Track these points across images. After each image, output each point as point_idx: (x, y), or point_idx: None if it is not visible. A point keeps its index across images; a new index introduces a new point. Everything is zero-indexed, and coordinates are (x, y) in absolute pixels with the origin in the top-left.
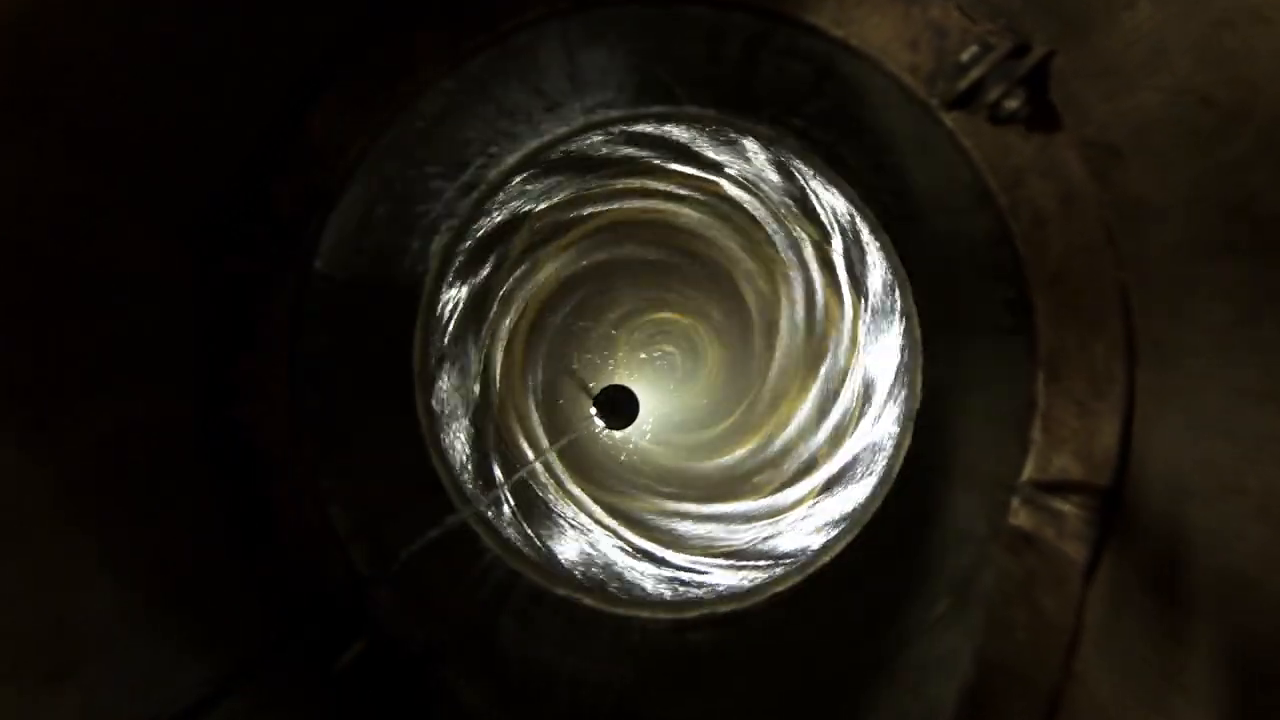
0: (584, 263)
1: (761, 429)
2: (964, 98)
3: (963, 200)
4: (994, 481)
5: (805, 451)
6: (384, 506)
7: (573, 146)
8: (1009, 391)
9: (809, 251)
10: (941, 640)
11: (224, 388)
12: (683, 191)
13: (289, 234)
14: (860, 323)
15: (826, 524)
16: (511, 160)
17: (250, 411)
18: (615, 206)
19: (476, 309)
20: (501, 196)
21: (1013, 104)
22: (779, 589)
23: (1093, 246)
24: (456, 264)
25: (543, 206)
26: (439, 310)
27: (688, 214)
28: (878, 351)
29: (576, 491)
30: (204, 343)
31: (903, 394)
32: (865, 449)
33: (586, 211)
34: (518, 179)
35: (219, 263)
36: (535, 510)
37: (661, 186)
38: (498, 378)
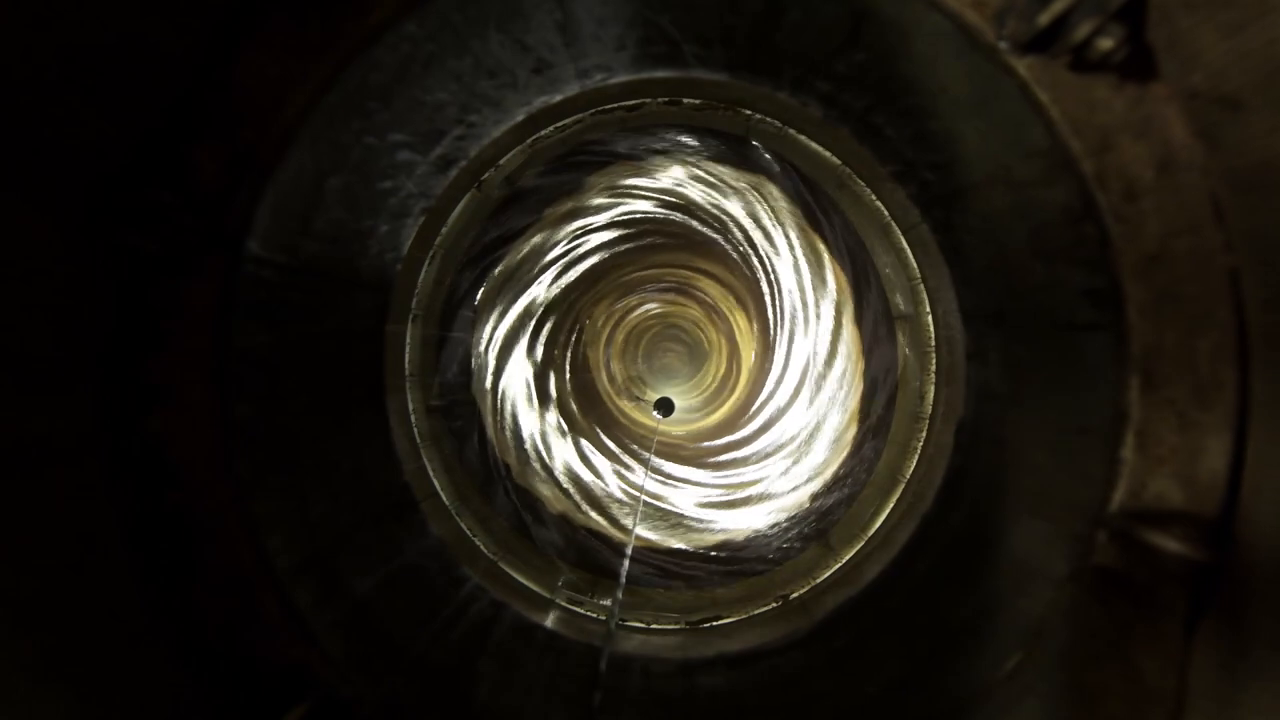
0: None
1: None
2: (1043, 38)
3: (1032, 169)
4: (1071, 509)
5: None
6: (339, 533)
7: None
8: (1090, 400)
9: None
10: (1011, 707)
11: (135, 393)
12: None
13: (213, 208)
14: (864, 321)
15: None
16: (497, 134)
17: (167, 422)
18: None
19: (493, 307)
20: (510, 185)
21: (1106, 43)
22: (798, 623)
23: (1197, 223)
24: (461, 256)
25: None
26: (433, 306)
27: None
28: (885, 354)
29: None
30: (110, 340)
31: (926, 398)
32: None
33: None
34: (530, 173)
35: (128, 242)
36: (538, 518)
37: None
38: (524, 377)
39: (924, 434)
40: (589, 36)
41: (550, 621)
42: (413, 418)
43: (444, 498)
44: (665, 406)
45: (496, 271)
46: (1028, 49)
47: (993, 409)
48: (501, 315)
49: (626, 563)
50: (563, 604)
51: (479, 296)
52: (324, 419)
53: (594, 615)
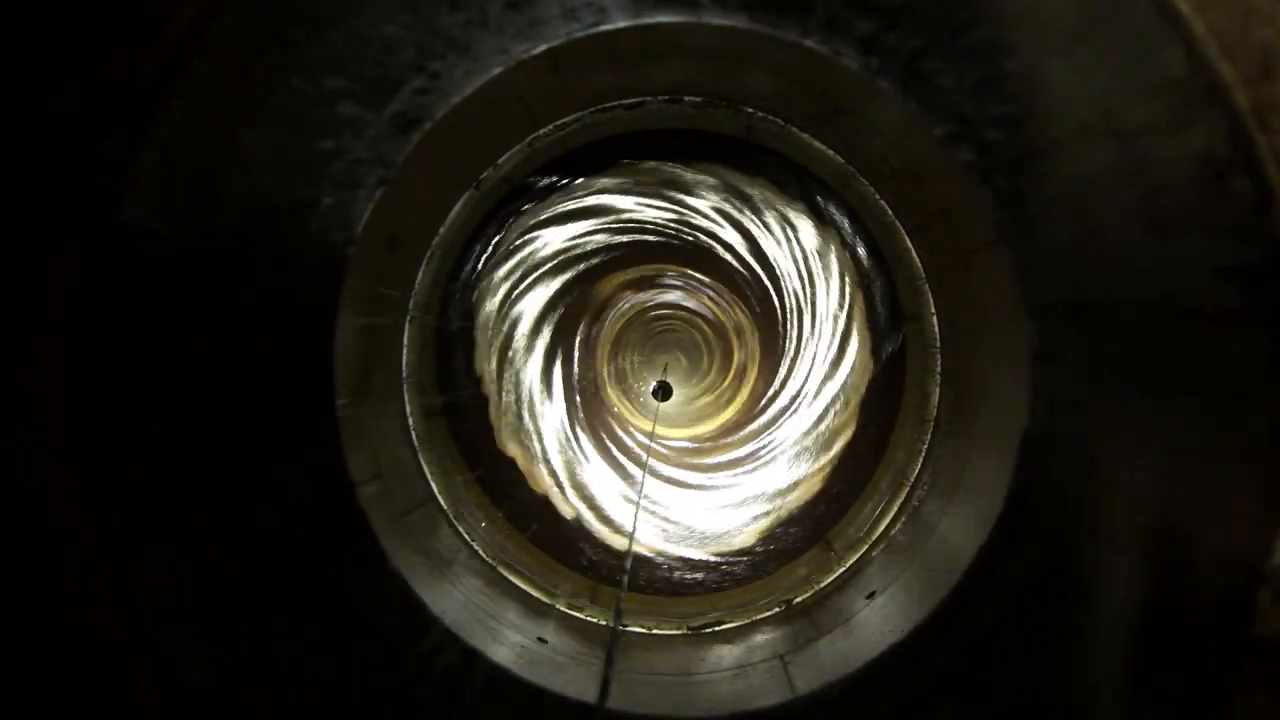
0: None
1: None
2: None
3: (1155, 110)
4: (1206, 557)
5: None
6: (255, 584)
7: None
8: (1229, 414)
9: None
10: None
11: None
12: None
13: (72, 158)
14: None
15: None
16: (470, 89)
17: (14, 442)
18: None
19: (498, 308)
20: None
21: None
22: (824, 678)
23: None
24: (460, 254)
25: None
26: (430, 306)
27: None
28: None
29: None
30: None
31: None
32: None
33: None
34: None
35: None
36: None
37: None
38: (513, 384)
39: (928, 437)
40: None
41: (549, 631)
42: (410, 420)
43: (442, 502)
44: (664, 390)
45: (500, 271)
46: None
47: (1077, 423)
48: (508, 316)
49: (624, 581)
50: (562, 608)
51: (481, 297)
52: (244, 436)
53: (595, 620)
